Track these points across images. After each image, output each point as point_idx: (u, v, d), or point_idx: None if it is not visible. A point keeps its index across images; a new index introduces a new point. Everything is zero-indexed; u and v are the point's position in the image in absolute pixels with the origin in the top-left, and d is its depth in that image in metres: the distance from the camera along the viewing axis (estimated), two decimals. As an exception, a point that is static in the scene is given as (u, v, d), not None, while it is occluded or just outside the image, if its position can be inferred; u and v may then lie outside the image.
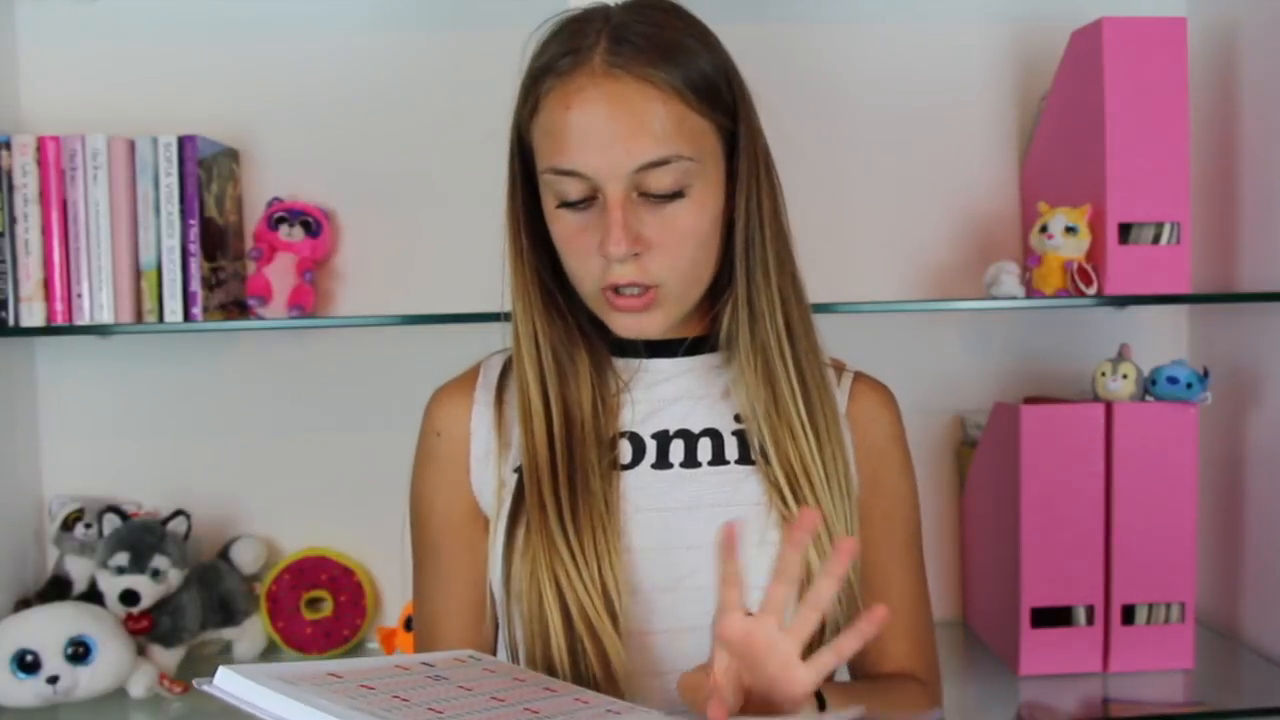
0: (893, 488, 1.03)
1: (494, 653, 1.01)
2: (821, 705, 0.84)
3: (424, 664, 0.84)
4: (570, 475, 0.94)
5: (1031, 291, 1.55)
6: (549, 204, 0.93)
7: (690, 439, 0.98)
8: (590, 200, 0.90)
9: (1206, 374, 1.52)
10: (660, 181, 0.89)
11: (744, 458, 0.97)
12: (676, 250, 0.91)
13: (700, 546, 0.93)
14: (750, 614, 0.79)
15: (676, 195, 0.90)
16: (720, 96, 0.92)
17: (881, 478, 1.02)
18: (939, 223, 1.75)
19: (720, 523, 0.94)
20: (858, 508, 0.99)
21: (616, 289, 0.92)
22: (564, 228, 0.93)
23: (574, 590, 0.90)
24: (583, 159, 0.88)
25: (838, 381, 1.03)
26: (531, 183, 0.95)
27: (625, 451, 0.97)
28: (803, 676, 0.78)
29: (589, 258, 0.92)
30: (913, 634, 1.02)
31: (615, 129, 0.87)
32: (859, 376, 1.05)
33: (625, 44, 0.88)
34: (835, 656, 0.78)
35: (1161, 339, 1.76)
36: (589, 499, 0.93)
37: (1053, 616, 1.52)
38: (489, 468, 0.99)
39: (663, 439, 0.98)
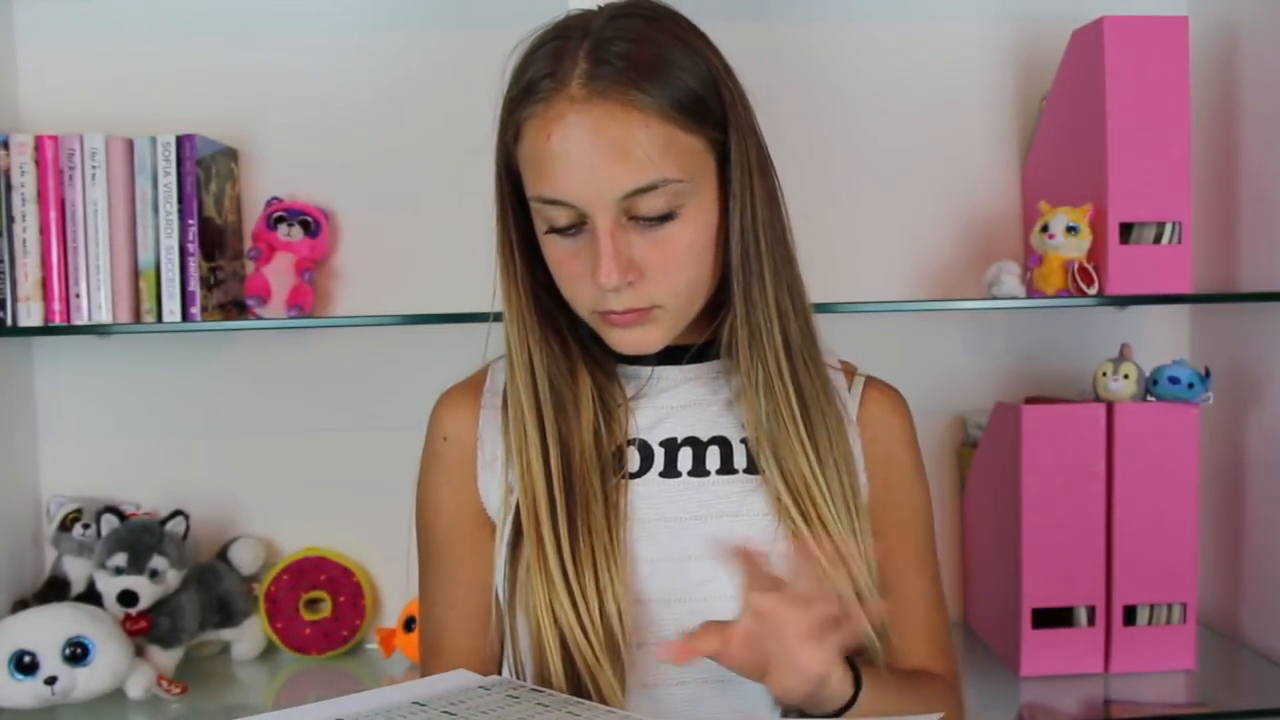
0: (905, 493, 1.02)
1: (499, 660, 1.01)
2: (857, 687, 0.85)
3: (445, 713, 0.82)
4: (570, 506, 0.92)
5: (1032, 291, 1.55)
6: (539, 228, 0.91)
7: (698, 446, 0.97)
8: (580, 225, 0.88)
9: (1208, 374, 1.51)
10: (650, 205, 0.86)
11: (752, 467, 0.96)
12: (673, 272, 0.89)
13: (706, 557, 0.92)
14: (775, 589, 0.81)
15: (668, 217, 0.87)
16: (709, 109, 0.88)
17: (894, 484, 1.01)
18: (940, 222, 1.75)
19: (727, 531, 0.93)
20: (869, 517, 0.97)
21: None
22: (555, 253, 0.91)
23: (573, 632, 0.89)
24: (567, 188, 0.86)
25: (848, 386, 1.02)
26: (523, 203, 0.92)
27: (633, 460, 0.96)
28: (813, 655, 0.80)
29: (582, 283, 0.89)
30: (931, 637, 1.01)
31: (598, 157, 0.84)
32: (870, 381, 1.04)
33: (605, 65, 0.85)
34: (842, 640, 0.80)
35: (1163, 339, 1.76)
36: (589, 527, 0.91)
37: (1054, 617, 1.52)
38: (495, 473, 0.98)
39: (671, 446, 0.97)
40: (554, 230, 0.89)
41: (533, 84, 0.87)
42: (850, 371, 1.04)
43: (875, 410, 1.02)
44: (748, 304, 0.92)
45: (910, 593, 1.01)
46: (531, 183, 0.89)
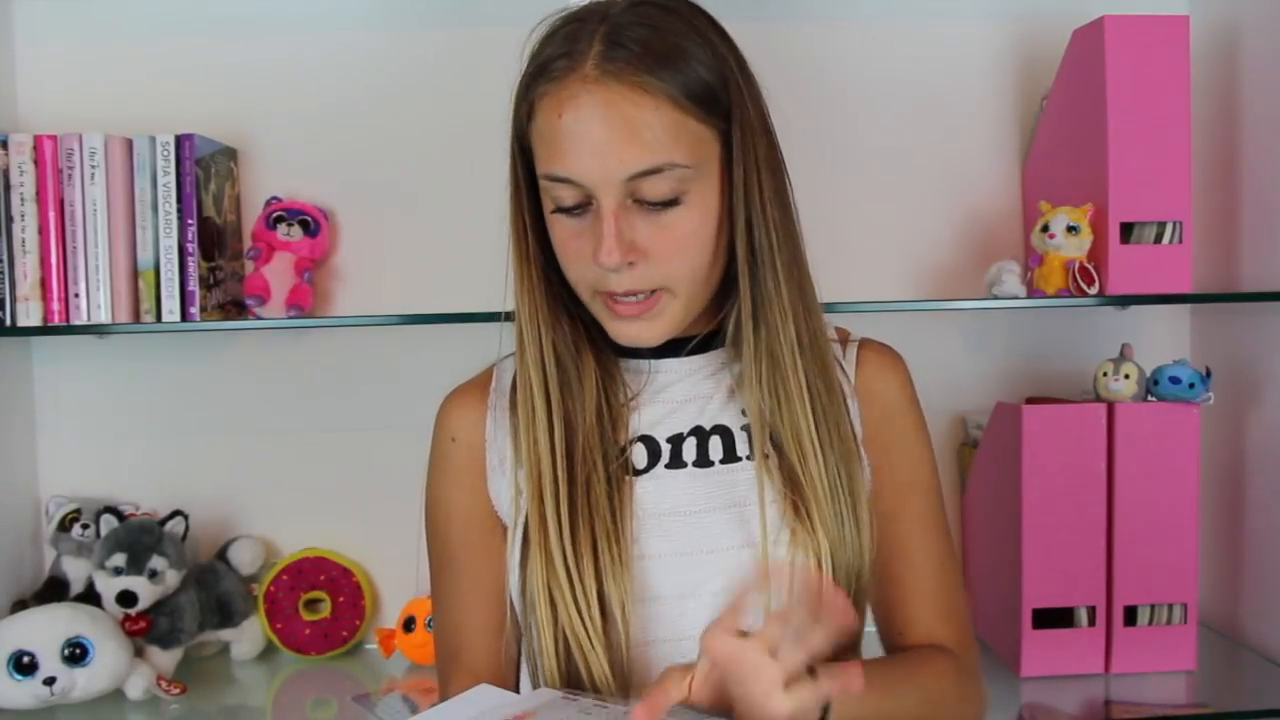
0: (908, 454, 1.01)
1: (517, 662, 1.00)
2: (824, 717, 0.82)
3: None
4: (571, 490, 0.92)
5: (1033, 291, 1.55)
6: (547, 207, 0.92)
7: (702, 436, 0.97)
8: (586, 205, 0.89)
9: (1209, 374, 1.51)
10: (655, 189, 0.87)
11: (755, 454, 0.95)
12: (673, 258, 0.89)
13: (719, 550, 0.92)
14: (744, 634, 0.76)
15: (673, 202, 0.88)
16: (719, 100, 0.89)
17: (895, 445, 1.01)
18: (940, 222, 1.75)
19: (738, 522, 0.93)
20: (871, 509, 0.95)
21: (613, 295, 0.90)
22: (560, 233, 0.91)
23: (569, 616, 0.89)
24: (575, 167, 0.87)
25: (843, 352, 1.02)
26: (535, 185, 0.93)
27: (640, 456, 0.96)
28: (781, 704, 0.75)
29: (584, 264, 0.90)
30: (938, 601, 1.00)
31: (608, 137, 0.85)
32: (865, 343, 1.04)
33: (620, 48, 0.86)
34: (815, 694, 0.75)
35: (1163, 339, 1.76)
36: (592, 514, 0.91)
37: (1054, 617, 1.51)
38: (505, 474, 0.98)
39: (676, 441, 0.96)
40: (560, 210, 0.90)
41: (548, 63, 0.88)
42: (845, 338, 1.04)
43: (872, 371, 1.02)
44: (760, 298, 0.93)
45: (916, 556, 0.99)
46: (542, 161, 0.90)
